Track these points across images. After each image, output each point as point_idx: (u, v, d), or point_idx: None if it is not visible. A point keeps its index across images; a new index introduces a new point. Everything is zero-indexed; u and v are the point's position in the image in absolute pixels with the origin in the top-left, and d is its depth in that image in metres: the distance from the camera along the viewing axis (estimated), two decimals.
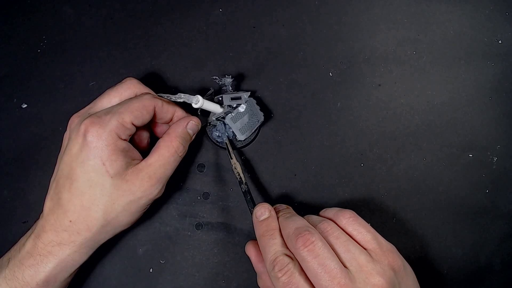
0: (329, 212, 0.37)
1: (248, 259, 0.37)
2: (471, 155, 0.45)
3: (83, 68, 0.45)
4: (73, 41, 0.45)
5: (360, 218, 0.35)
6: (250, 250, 0.37)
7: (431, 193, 0.44)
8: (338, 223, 0.35)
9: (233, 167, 0.40)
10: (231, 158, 0.40)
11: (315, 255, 0.31)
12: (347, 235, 0.34)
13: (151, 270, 0.42)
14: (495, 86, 0.47)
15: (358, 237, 0.34)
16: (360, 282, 0.31)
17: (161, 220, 0.43)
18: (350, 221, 0.35)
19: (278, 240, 0.33)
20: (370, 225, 0.35)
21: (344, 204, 0.43)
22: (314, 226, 0.34)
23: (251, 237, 0.42)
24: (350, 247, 0.33)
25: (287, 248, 0.33)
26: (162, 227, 0.42)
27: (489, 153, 0.46)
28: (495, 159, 0.45)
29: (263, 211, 0.36)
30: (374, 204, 0.44)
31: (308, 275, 0.31)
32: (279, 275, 0.31)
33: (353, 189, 0.44)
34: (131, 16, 0.46)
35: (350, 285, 0.30)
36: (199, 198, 0.43)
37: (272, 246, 0.33)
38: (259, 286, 0.37)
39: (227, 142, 0.42)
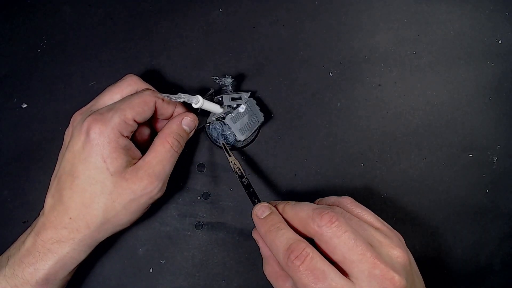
0: (328, 200, 0.37)
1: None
2: (471, 155, 0.45)
3: (83, 68, 0.45)
4: (73, 41, 0.45)
5: (358, 202, 0.36)
6: (258, 234, 0.35)
7: (431, 193, 0.44)
8: (342, 208, 0.35)
9: (232, 164, 0.39)
10: (229, 156, 0.40)
11: (344, 229, 0.30)
12: (356, 218, 0.34)
13: (151, 270, 0.42)
14: (495, 86, 0.47)
15: (365, 218, 0.34)
16: (385, 256, 0.31)
17: (161, 220, 0.43)
18: (353, 205, 0.35)
19: (287, 229, 0.32)
20: None
21: None
22: None
23: (251, 237, 0.42)
24: (365, 227, 0.33)
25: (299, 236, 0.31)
26: (162, 227, 0.42)
27: (489, 153, 0.46)
28: (495, 159, 0.45)
29: (263, 209, 0.34)
30: (374, 204, 0.44)
31: (332, 254, 0.30)
32: (298, 262, 0.29)
33: (353, 189, 0.44)
34: (131, 16, 0.46)
35: (380, 259, 0.29)
36: (199, 198, 0.43)
37: (283, 236, 0.31)
38: (266, 273, 0.34)
39: (223, 141, 0.41)
